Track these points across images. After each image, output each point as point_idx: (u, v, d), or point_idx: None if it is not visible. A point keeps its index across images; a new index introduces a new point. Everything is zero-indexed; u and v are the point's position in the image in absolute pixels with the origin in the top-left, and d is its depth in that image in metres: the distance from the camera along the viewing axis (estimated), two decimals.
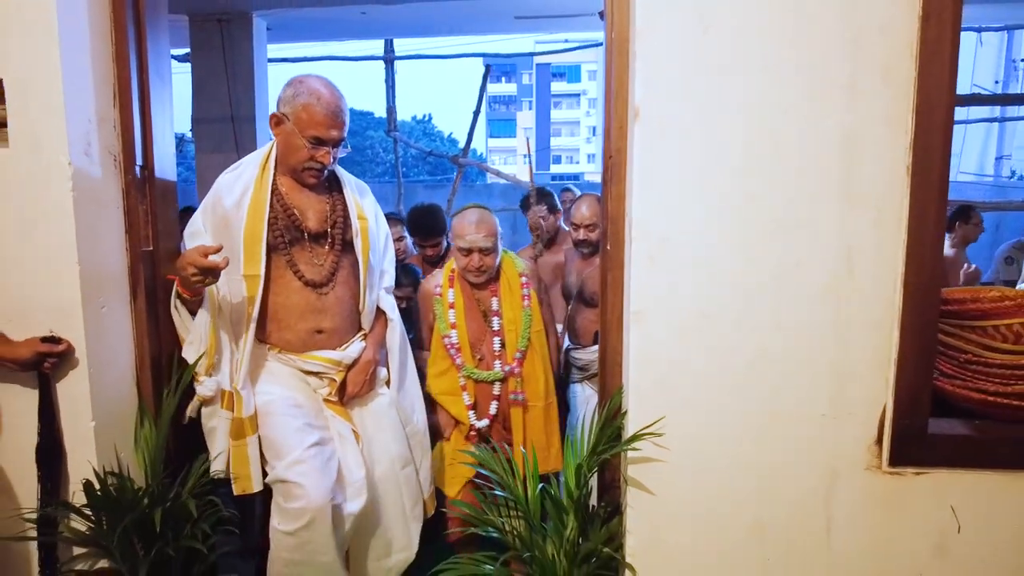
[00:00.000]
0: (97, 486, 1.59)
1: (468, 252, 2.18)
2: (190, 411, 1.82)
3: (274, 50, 6.79)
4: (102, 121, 1.66)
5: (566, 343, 2.74)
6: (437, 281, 2.29)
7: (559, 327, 2.70)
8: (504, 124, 40.02)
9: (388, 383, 2.01)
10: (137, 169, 1.77)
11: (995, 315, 1.47)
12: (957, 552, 1.47)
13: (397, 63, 7.32)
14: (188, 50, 5.75)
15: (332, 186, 1.94)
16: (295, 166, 1.82)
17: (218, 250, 1.63)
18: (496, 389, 2.20)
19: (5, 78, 1.53)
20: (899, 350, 1.43)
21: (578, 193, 3.67)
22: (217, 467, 1.78)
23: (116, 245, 1.75)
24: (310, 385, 1.89)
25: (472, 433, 2.18)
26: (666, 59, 1.40)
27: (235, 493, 1.78)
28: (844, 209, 1.40)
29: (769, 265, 1.43)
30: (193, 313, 1.81)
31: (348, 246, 1.90)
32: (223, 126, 5.43)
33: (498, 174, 8.41)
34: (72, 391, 1.64)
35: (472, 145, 7.62)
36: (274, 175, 1.84)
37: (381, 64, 7.32)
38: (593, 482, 1.71)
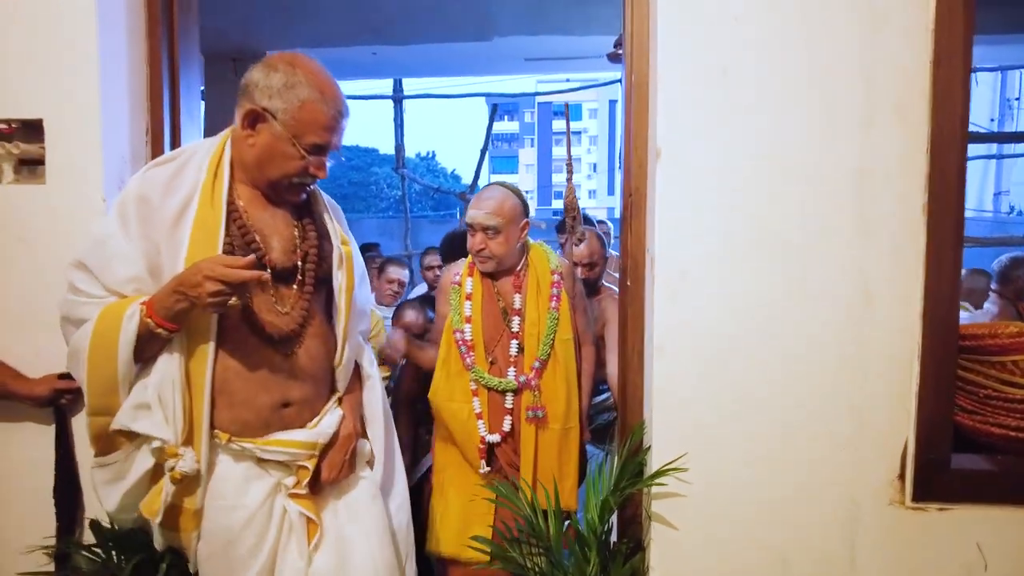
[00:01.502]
0: (107, 523, 1.56)
1: (472, 231, 1.93)
2: (163, 503, 1.32)
3: None
4: (135, 158, 1.70)
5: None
6: (457, 269, 2.05)
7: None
8: (506, 161, 40.56)
9: (371, 462, 1.58)
10: None
11: (1014, 350, 1.48)
12: None
13: (403, 102, 7.48)
14: (202, 87, 5.92)
15: (301, 205, 1.46)
16: (275, 179, 1.36)
17: (251, 262, 1.25)
18: (509, 402, 1.94)
19: (45, 118, 1.58)
20: (919, 383, 1.44)
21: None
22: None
23: None
24: (264, 482, 1.40)
25: (481, 447, 1.92)
26: (686, 101, 1.44)
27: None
28: (861, 244, 1.43)
29: (787, 300, 1.46)
30: (139, 361, 1.31)
31: (320, 284, 1.46)
32: None
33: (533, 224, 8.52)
34: None
35: (478, 180, 7.73)
36: (230, 183, 1.36)
37: (386, 101, 7.49)
38: (613, 518, 1.71)
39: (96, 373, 1.29)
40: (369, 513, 1.51)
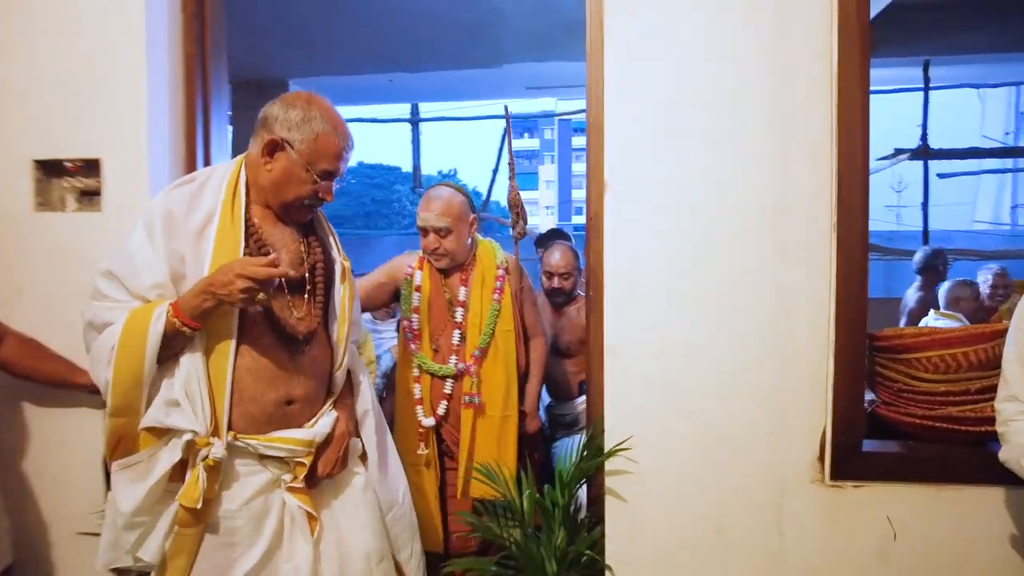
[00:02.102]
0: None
1: (425, 232, 2.05)
2: (202, 489, 1.40)
3: None
4: None
5: (546, 399, 2.71)
6: (411, 261, 2.16)
7: None
8: (526, 177, 40.92)
9: (363, 458, 1.69)
10: None
11: (916, 349, 1.71)
12: (896, 557, 1.69)
13: (423, 123, 7.85)
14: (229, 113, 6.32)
15: (307, 225, 1.64)
16: (289, 200, 1.52)
17: (273, 260, 1.41)
18: (448, 387, 2.06)
19: (102, 157, 1.90)
20: (834, 379, 1.68)
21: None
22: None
23: None
24: (261, 477, 1.51)
25: (420, 431, 2.04)
26: (631, 142, 1.73)
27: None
28: (780, 264, 1.68)
29: (718, 312, 1.71)
30: (159, 362, 1.42)
31: (324, 295, 1.61)
32: None
33: (500, 221, 8.79)
34: None
35: (494, 198, 8.05)
36: (246, 203, 1.52)
37: (405, 123, 7.86)
38: (583, 496, 1.96)
39: (122, 371, 1.40)
40: (362, 505, 1.63)
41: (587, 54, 1.82)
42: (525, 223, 2.25)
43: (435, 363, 2.06)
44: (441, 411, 2.06)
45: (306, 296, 1.56)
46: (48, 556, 1.94)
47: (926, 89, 6.61)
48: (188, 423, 1.41)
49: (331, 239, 1.67)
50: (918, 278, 4.36)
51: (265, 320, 1.48)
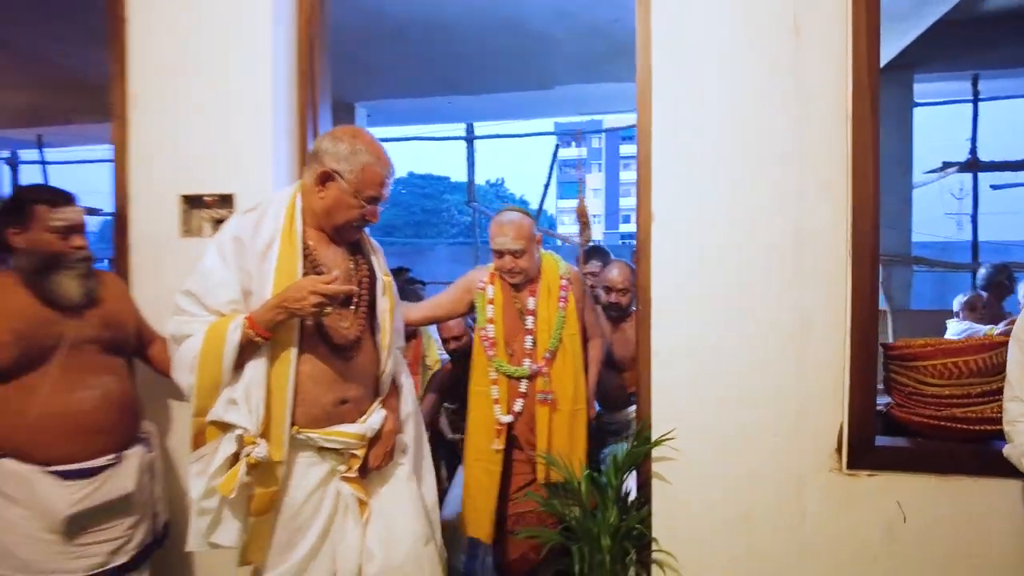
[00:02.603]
0: None
1: (500, 255, 2.25)
2: (239, 482, 1.59)
3: (372, 132, 7.87)
4: None
5: (597, 408, 2.81)
6: (482, 276, 2.39)
7: None
8: (574, 186, 41.20)
9: (404, 452, 1.91)
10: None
11: (923, 357, 1.98)
12: (903, 538, 1.95)
13: (477, 140, 8.26)
14: None
15: (355, 246, 1.84)
16: (340, 224, 1.72)
17: (336, 278, 1.61)
18: (523, 387, 2.26)
19: (235, 192, 2.32)
20: (850, 383, 1.96)
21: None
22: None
23: None
24: (321, 467, 1.72)
25: (498, 427, 2.25)
26: (672, 179, 2.04)
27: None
28: (800, 284, 1.97)
29: (746, 326, 2.01)
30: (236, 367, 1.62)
31: (370, 307, 1.80)
32: None
33: (561, 238, 9.12)
34: None
35: (543, 206, 8.41)
36: (302, 228, 1.71)
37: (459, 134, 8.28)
38: (632, 484, 2.27)
39: (204, 377, 1.60)
40: (406, 493, 1.84)
41: (638, 102, 2.13)
42: (590, 231, 2.56)
43: (511, 365, 2.28)
44: (517, 408, 2.28)
45: (353, 308, 1.76)
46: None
47: (975, 101, 6.68)
48: (241, 420, 1.59)
49: (374, 257, 1.86)
50: (983, 294, 4.19)
51: (318, 332, 1.68)
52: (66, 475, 1.78)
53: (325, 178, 1.68)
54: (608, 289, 2.89)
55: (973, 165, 6.72)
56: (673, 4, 2.04)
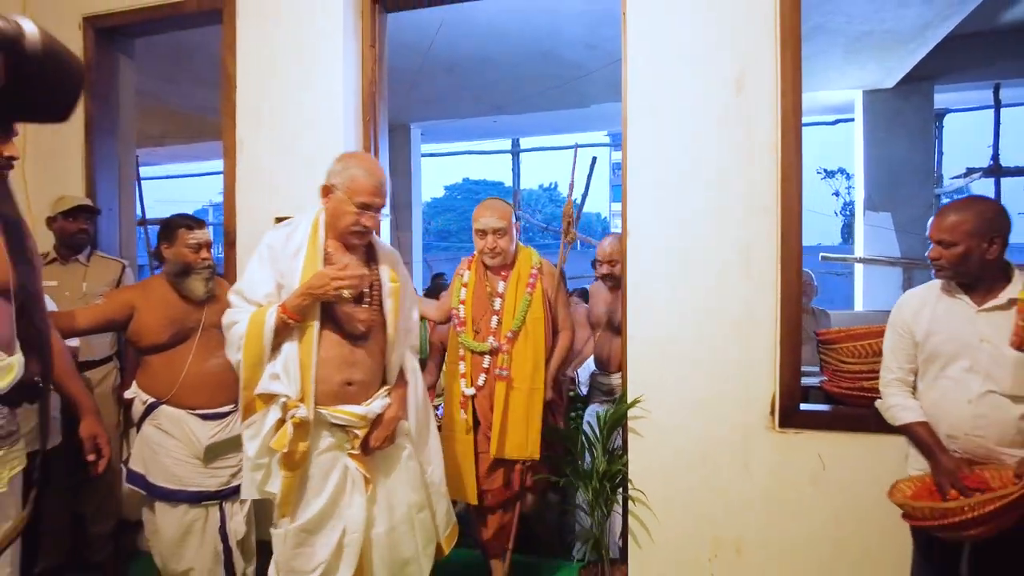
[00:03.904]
0: None
1: (483, 234, 2.48)
2: (288, 437, 1.94)
3: (425, 148, 8.67)
4: None
5: (592, 368, 3.27)
6: (465, 265, 2.66)
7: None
8: (618, 189, 41.22)
9: (409, 436, 2.18)
10: None
11: (840, 341, 2.53)
12: (824, 479, 2.50)
13: (522, 153, 8.94)
14: None
15: (370, 255, 2.15)
16: (343, 229, 2.02)
17: (347, 266, 1.97)
18: (486, 363, 2.49)
19: None
20: (780, 361, 2.53)
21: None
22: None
23: None
24: (328, 440, 2.03)
25: (462, 400, 2.52)
26: (643, 195, 2.65)
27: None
28: (745, 283, 2.55)
29: (702, 313, 2.60)
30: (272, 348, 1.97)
31: (380, 307, 2.10)
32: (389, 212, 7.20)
33: (583, 239, 9.60)
34: None
35: (595, 209, 8.99)
36: (324, 238, 2.05)
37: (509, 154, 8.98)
38: (618, 440, 2.87)
39: (249, 354, 1.97)
40: (406, 470, 2.16)
41: (623, 141, 2.77)
42: (575, 232, 2.93)
43: (476, 342, 2.55)
44: (480, 382, 2.55)
45: (366, 305, 2.09)
46: None
47: (997, 108, 6.93)
48: (284, 389, 1.96)
49: (384, 266, 2.17)
50: None
51: (334, 322, 2.02)
52: (204, 417, 2.54)
53: (326, 192, 2.06)
54: (599, 261, 3.17)
55: (996, 171, 6.97)
56: (643, 61, 2.67)
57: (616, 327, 3.07)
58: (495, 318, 2.53)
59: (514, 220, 2.59)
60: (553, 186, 33.40)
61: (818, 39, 5.26)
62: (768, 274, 2.54)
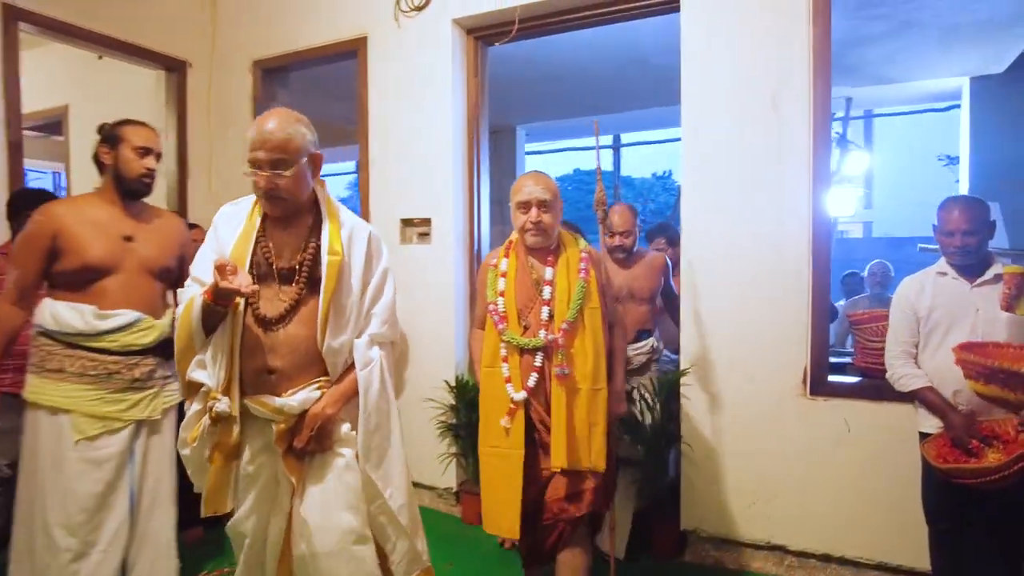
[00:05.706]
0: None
1: (527, 207, 2.13)
2: (201, 432, 1.78)
3: (529, 147, 9.33)
4: (465, 231, 3.85)
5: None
6: (495, 254, 2.29)
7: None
8: None
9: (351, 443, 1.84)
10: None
11: (865, 322, 2.92)
12: (848, 442, 2.91)
13: (623, 148, 9.39)
14: None
15: (314, 227, 1.86)
16: (258, 195, 1.81)
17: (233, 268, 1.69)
18: (538, 361, 2.09)
19: (432, 216, 3.79)
20: (811, 338, 2.96)
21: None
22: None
23: None
24: (261, 440, 1.84)
25: (511, 406, 2.07)
26: (697, 197, 3.15)
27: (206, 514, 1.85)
28: (781, 273, 2.99)
29: (747, 298, 3.07)
30: (208, 332, 1.80)
31: (318, 285, 1.80)
32: (493, 207, 7.92)
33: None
34: None
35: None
36: (263, 214, 1.85)
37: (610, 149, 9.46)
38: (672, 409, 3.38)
39: (179, 336, 1.81)
40: (340, 485, 1.79)
41: (683, 148, 3.28)
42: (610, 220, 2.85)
43: (525, 338, 2.11)
44: (532, 383, 2.09)
45: (292, 286, 1.81)
46: None
47: None
48: (204, 378, 1.78)
49: (329, 237, 1.82)
50: None
51: (247, 305, 1.80)
52: None
53: None
54: (612, 234, 3.09)
55: None
56: (697, 76, 3.19)
57: (637, 295, 3.16)
58: (545, 309, 2.14)
59: (560, 196, 2.24)
60: (668, 174, 33.15)
61: (908, 34, 5.35)
62: (803, 265, 2.96)
